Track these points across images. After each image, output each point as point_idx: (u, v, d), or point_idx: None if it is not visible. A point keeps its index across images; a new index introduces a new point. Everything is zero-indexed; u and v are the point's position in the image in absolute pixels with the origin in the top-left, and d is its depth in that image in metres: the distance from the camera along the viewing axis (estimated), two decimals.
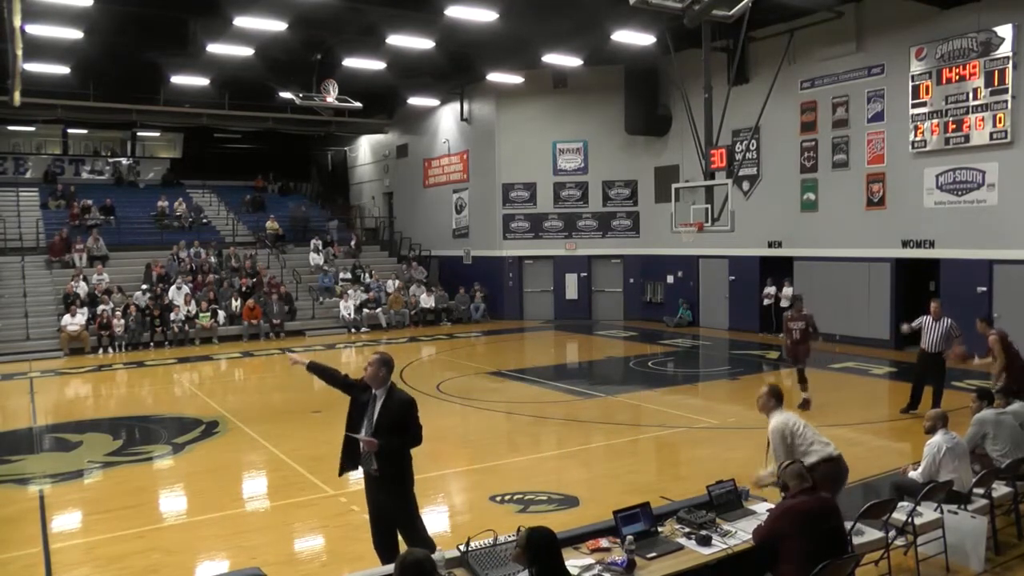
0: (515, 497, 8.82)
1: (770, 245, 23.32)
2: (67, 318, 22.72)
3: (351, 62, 24.17)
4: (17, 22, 17.84)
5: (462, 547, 5.25)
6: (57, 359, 21.64)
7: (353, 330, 26.01)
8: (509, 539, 5.13)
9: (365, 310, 26.70)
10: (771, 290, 23.05)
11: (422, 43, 21.78)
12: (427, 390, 15.74)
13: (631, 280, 28.22)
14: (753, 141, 23.24)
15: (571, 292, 28.27)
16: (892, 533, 6.48)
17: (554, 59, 23.98)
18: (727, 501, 6.18)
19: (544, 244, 28.53)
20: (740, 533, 5.68)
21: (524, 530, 4.52)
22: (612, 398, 15.16)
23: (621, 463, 10.96)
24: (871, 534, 6.31)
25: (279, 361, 21.35)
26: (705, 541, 5.51)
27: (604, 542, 5.46)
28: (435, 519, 8.77)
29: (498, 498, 9.22)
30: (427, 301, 27.94)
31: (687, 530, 5.69)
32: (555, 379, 17.64)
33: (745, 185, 23.65)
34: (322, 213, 35.14)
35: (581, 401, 15.10)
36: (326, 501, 9.40)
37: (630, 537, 5.35)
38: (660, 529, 5.71)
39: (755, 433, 10.75)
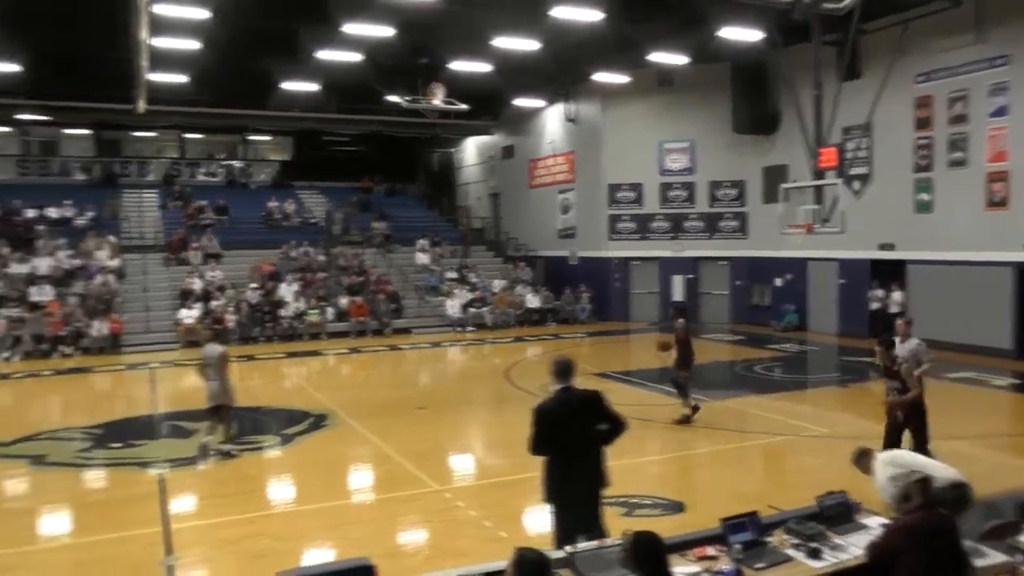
0: (620, 500, 8.76)
1: (881, 247, 22.48)
2: (183, 312, 23.91)
3: (457, 64, 24.48)
4: (144, 36, 18.85)
5: (569, 548, 5.25)
6: (174, 350, 22.64)
7: (459, 329, 26.33)
8: (616, 542, 5.10)
9: (471, 309, 27.01)
10: (878, 293, 22.28)
11: (527, 44, 21.88)
12: (533, 390, 15.79)
13: (738, 282, 27.69)
14: (864, 139, 22.50)
15: (677, 294, 27.93)
16: (1020, 557, 6.08)
17: (659, 58, 23.78)
18: (838, 514, 5.95)
19: (650, 245, 28.28)
20: (852, 548, 5.45)
21: (631, 534, 4.46)
22: (718, 403, 14.89)
23: (727, 470, 10.77)
24: (994, 556, 5.76)
25: (385, 357, 21.80)
26: (815, 554, 5.33)
27: (711, 550, 5.35)
28: (541, 519, 8.81)
29: (603, 500, 9.17)
30: (533, 301, 28.04)
31: (796, 542, 5.52)
32: (660, 382, 17.42)
33: (856, 185, 22.91)
34: (429, 214, 35.69)
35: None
36: (431, 496, 9.55)
37: (738, 546, 5.25)
38: (768, 539, 5.56)
39: (866, 444, 10.41)
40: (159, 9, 17.91)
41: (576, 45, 23.14)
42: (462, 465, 11.70)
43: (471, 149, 38.39)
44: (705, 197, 27.87)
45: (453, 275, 28.98)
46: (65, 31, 21.11)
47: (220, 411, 11.61)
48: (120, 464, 11.41)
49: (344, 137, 37.40)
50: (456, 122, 32.50)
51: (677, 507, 8.94)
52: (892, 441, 9.15)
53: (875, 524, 5.82)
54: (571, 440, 6.20)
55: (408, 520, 8.92)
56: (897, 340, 10.40)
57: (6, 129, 34.71)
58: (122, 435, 12.76)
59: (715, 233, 27.88)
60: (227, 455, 11.44)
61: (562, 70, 26.29)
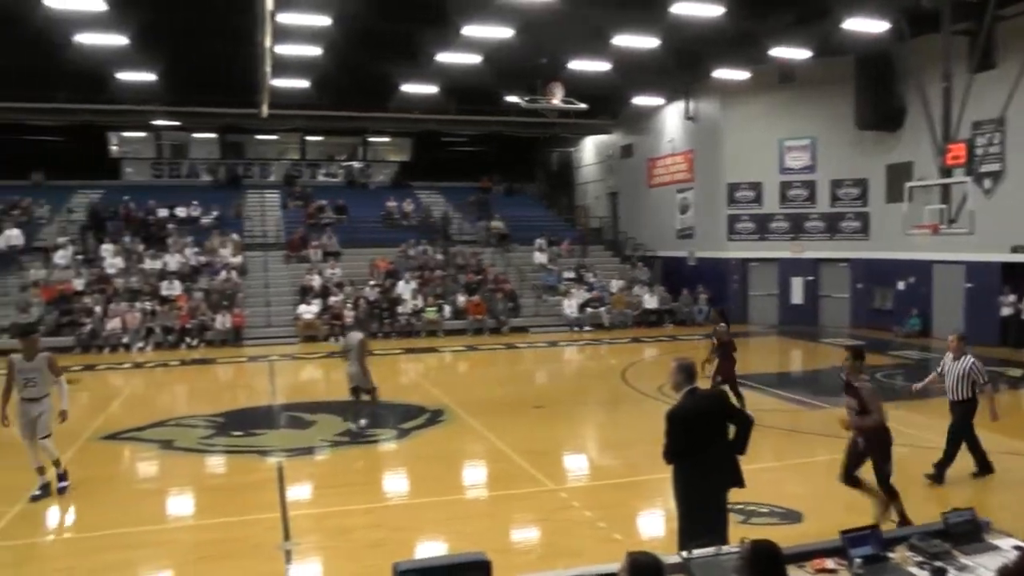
0: (736, 507, 8.46)
1: (1014, 250, 21.08)
2: (303, 308, 24.58)
3: (576, 64, 24.34)
4: (268, 44, 19.48)
5: (684, 554, 5.07)
6: (293, 344, 23.27)
7: (575, 329, 26.14)
8: (732, 550, 4.90)
9: (588, 309, 26.82)
10: (1010, 298, 21.01)
11: (647, 42, 21.59)
12: (649, 391, 15.55)
13: (859, 285, 26.61)
14: (997, 134, 21.15)
15: (796, 296, 27.08)
16: None
17: (781, 52, 23.09)
18: (966, 532, 5.50)
19: (769, 246, 27.52)
20: (981, 570, 5.02)
21: (748, 542, 4.26)
22: (837, 410, 14.27)
23: None
24: None
25: (502, 355, 21.86)
26: (940, 573, 4.98)
27: (830, 563, 5.06)
28: (656, 523, 8.61)
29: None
30: (650, 302, 27.66)
31: (920, 559, 5.14)
32: (777, 387, 16.89)
33: (987, 183, 21.57)
34: (547, 213, 35.68)
35: (804, 412, 14.35)
36: (546, 495, 9.43)
37: (858, 560, 4.95)
38: (890, 555, 5.22)
39: (994, 459, 9.82)
40: (282, 18, 18.45)
41: (696, 42, 22.70)
42: (578, 465, 11.50)
43: (589, 148, 38.20)
44: (826, 196, 26.91)
45: (570, 275, 28.85)
46: (195, 43, 21.99)
47: (358, 392, 12.37)
48: (241, 451, 11.72)
49: (463, 137, 37.77)
50: (575, 121, 32.33)
51: (795, 516, 8.57)
52: (850, 470, 8.18)
53: (1008, 546, 5.36)
54: (702, 442, 6.10)
55: (522, 518, 8.82)
56: (949, 357, 9.74)
57: (142, 134, 36.59)
58: (243, 424, 13.10)
59: (836, 234, 26.88)
60: (358, 433, 12.05)
61: (681, 68, 25.82)
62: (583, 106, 25.55)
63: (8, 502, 9.27)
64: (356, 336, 12.77)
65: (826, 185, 26.84)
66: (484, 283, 27.26)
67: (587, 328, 26.23)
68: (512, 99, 26.90)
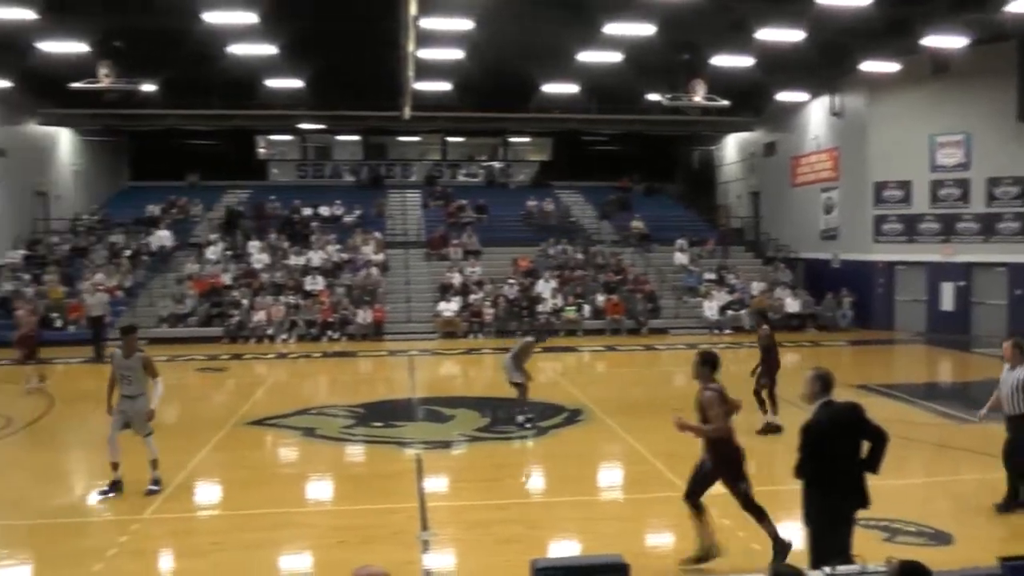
0: (881, 523, 7.99)
1: None
2: (443, 305, 24.96)
3: (719, 60, 23.74)
4: (411, 49, 19.89)
5: (827, 570, 4.85)
6: (432, 340, 23.65)
7: (716, 331, 25.46)
8: (879, 568, 4.63)
9: (728, 311, 26.16)
10: None
11: (792, 35, 20.84)
12: (789, 398, 14.92)
13: (1017, 291, 24.71)
14: None
15: (946, 303, 25.42)
16: None
17: (935, 41, 21.60)
18: None
19: (918, 248, 26.00)
20: None
21: (896, 562, 4.01)
22: (992, 427, 13.34)
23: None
24: None
25: (640, 356, 21.58)
26: None
27: None
28: (795, 535, 8.25)
29: (862, 522, 8.42)
30: (792, 305, 26.70)
31: None
32: (926, 399, 15.93)
33: None
34: (687, 213, 35.06)
35: (955, 426, 13.39)
36: (681, 500, 9.13)
37: None
38: None
39: None
40: (426, 23, 18.78)
41: (843, 33, 21.74)
42: None
43: (731, 146, 37.26)
44: (981, 195, 25.05)
45: (711, 276, 28.19)
46: (341, 50, 22.69)
47: (519, 388, 12.69)
48: (380, 442, 11.94)
49: (603, 137, 37.54)
50: (716, 119, 31.55)
51: (944, 538, 7.97)
52: (692, 489, 7.49)
53: None
54: (835, 456, 5.83)
55: (659, 522, 8.61)
56: (1006, 367, 8.78)
57: (289, 137, 38.19)
58: (382, 416, 13.35)
59: (992, 236, 24.97)
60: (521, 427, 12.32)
61: (827, 61, 24.79)
62: (725, 103, 24.94)
63: (170, 475, 9.83)
64: (523, 340, 13.45)
65: (981, 183, 25.04)
66: (624, 283, 27.00)
67: (727, 331, 25.52)
68: (653, 97, 26.53)
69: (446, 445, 11.66)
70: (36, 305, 22.20)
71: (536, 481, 10.41)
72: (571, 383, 17.02)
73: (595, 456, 11.41)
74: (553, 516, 8.72)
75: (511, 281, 26.31)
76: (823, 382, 5.98)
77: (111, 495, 9.29)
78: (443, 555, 7.70)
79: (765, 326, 12.95)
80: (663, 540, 8.28)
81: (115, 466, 9.37)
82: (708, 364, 7.57)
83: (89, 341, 20.99)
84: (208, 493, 9.95)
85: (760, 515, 7.25)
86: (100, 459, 11.60)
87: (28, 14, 18.48)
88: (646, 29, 20.14)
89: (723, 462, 7.40)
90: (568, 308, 25.29)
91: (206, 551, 7.75)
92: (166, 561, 7.81)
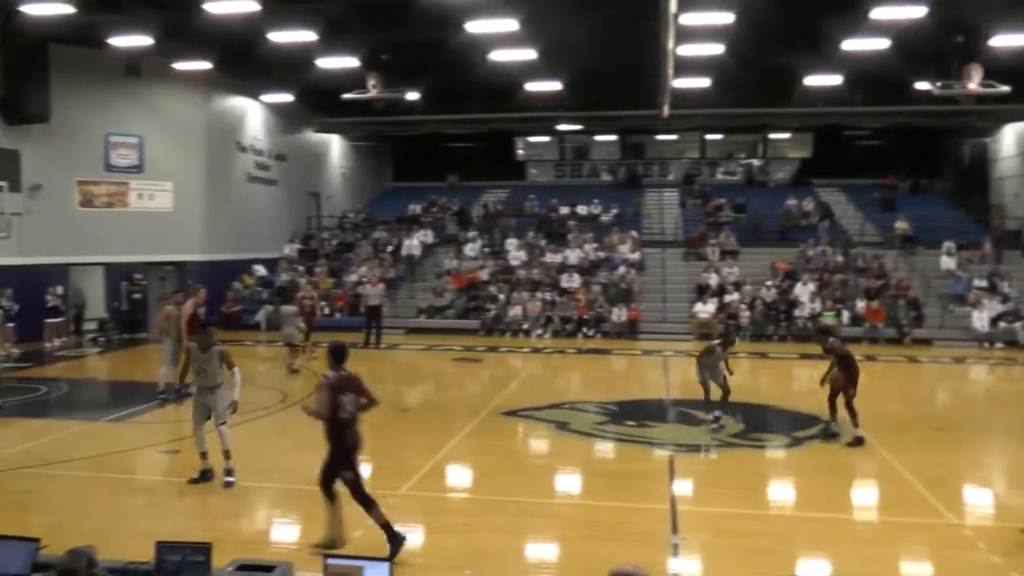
0: None
1: None
2: (698, 306, 24.77)
3: (997, 40, 21.49)
4: (670, 46, 19.79)
5: None
6: (687, 341, 23.35)
7: (986, 344, 23.12)
8: None
9: (1001, 323, 23.67)
10: None
11: None
12: None
13: None
14: None
15: None
16: None
17: None
18: None
19: None
20: None
21: None
22: None
23: None
24: None
25: (902, 368, 20.23)
26: None
27: None
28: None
29: None
30: None
31: None
32: None
33: None
34: (956, 213, 32.35)
35: None
36: (943, 528, 8.47)
37: None
38: None
39: None
40: (685, 19, 18.60)
41: None
42: (985, 500, 10.09)
43: (1009, 138, 33.59)
44: None
45: (982, 283, 25.62)
46: (599, 51, 22.94)
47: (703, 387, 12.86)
48: (631, 441, 12.07)
49: (866, 131, 35.45)
50: (993, 107, 28.59)
51: None
52: (324, 478, 7.60)
53: None
54: None
55: (917, 550, 8.02)
56: None
57: (547, 138, 39.26)
58: (634, 415, 13.46)
59: None
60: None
61: None
62: (1005, 89, 22.63)
63: (426, 456, 10.67)
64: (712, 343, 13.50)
65: None
66: (885, 288, 25.34)
67: (999, 345, 23.01)
68: (923, 86, 24.62)
69: (698, 449, 11.59)
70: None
71: (789, 494, 10.11)
72: (826, 393, 16.18)
73: (850, 472, 10.85)
74: (803, 531, 8.43)
75: (768, 283, 25.51)
76: None
77: (200, 483, 9.64)
78: (691, 561, 7.71)
79: (831, 338, 12.56)
80: (920, 571, 7.77)
81: (204, 455, 9.75)
82: (333, 355, 7.73)
83: (360, 328, 22.85)
84: (461, 476, 10.63)
85: (368, 505, 7.48)
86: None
87: (310, 35, 20.46)
88: (916, 11, 18.75)
89: (333, 447, 7.56)
90: (826, 313, 24.11)
91: (457, 530, 8.25)
92: (419, 536, 8.35)
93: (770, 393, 16.14)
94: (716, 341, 13.36)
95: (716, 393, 12.82)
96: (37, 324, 21.18)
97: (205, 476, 9.68)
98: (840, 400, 11.97)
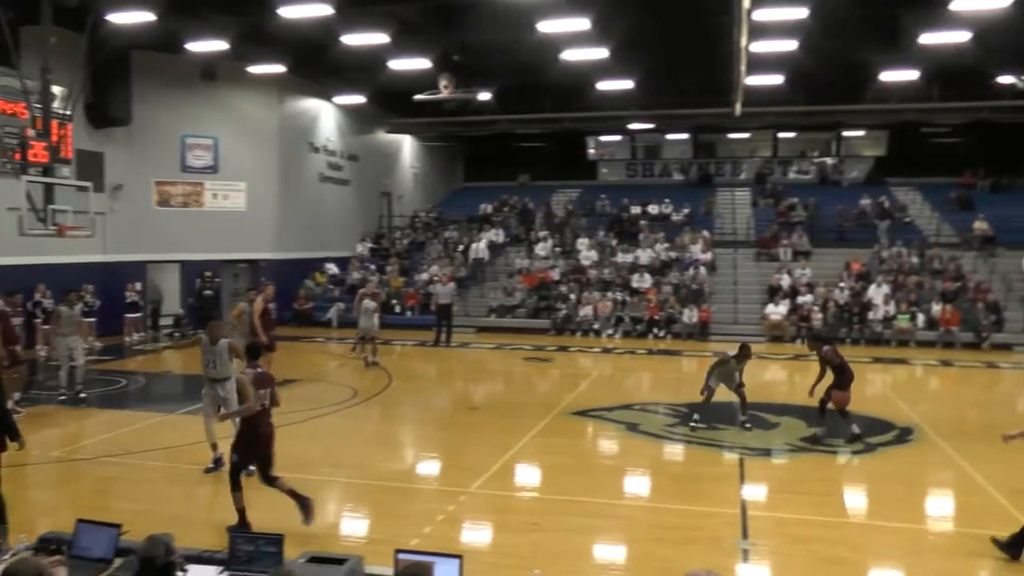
0: None
1: None
2: (770, 307, 24.33)
3: None
4: (743, 42, 19.52)
5: None
6: (759, 343, 22.88)
7: None
8: None
9: None
10: None
11: None
12: None
13: None
14: None
15: None
16: None
17: None
18: None
19: None
20: None
21: None
22: None
23: None
24: None
25: (980, 374, 19.63)
26: None
27: None
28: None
29: None
30: None
31: None
32: None
33: None
34: None
35: None
36: None
37: None
38: None
39: None
40: (759, 15, 18.32)
41: None
42: None
43: None
44: None
45: None
46: (671, 49, 22.77)
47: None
48: (702, 444, 11.96)
49: (944, 128, 34.42)
50: None
51: None
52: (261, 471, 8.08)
53: None
54: None
55: (997, 566, 7.61)
56: None
57: (617, 138, 39.11)
58: (706, 417, 13.27)
59: None
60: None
61: None
62: None
63: (495, 455, 10.78)
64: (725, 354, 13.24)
65: None
66: (963, 291, 24.57)
67: None
68: (1005, 80, 23.78)
69: (769, 453, 11.44)
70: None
71: (862, 501, 9.91)
72: (901, 399, 15.86)
73: (926, 481, 10.59)
74: (877, 541, 8.19)
75: (842, 285, 24.95)
76: None
77: (215, 471, 9.88)
78: (761, 567, 7.61)
79: (826, 346, 12.25)
80: None
81: (214, 447, 10.01)
82: (249, 351, 8.48)
83: (430, 326, 23.23)
84: (530, 475, 10.66)
85: (234, 487, 7.86)
86: (429, 432, 13.03)
87: (383, 38, 20.69)
88: (999, 2, 18.09)
89: (240, 435, 8.01)
90: (901, 316, 23.48)
91: (525, 529, 8.28)
92: (488, 533, 8.45)
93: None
94: (732, 353, 13.05)
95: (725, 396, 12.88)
96: (117, 319, 21.88)
97: (219, 464, 9.91)
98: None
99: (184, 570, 4.87)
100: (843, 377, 11.90)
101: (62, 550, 5.64)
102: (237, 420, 8.26)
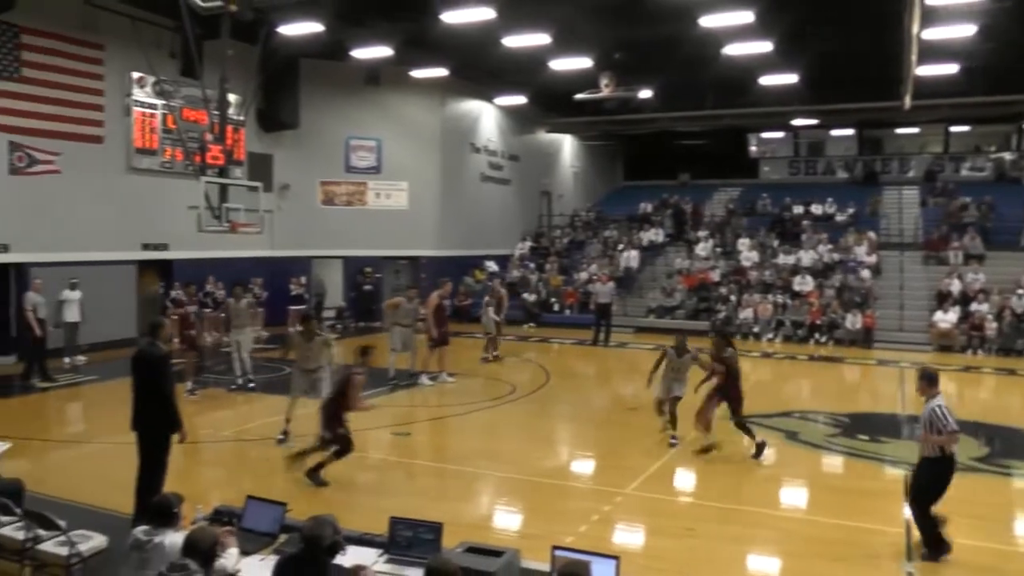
0: None
1: None
2: (939, 314, 22.94)
3: None
4: (915, 29, 18.61)
5: None
6: (926, 352, 21.93)
7: None
8: None
9: None
10: None
11: None
12: None
13: None
14: None
15: None
16: None
17: None
18: None
19: None
20: None
21: None
22: None
23: None
24: None
25: None
26: None
27: None
28: None
29: None
30: None
31: None
32: None
33: None
34: None
35: None
36: None
37: None
38: None
39: None
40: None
41: None
42: None
43: None
44: None
45: None
46: (837, 39, 21.94)
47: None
48: (864, 456, 11.60)
49: None
50: None
51: None
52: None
53: None
54: None
55: None
56: None
57: (780, 134, 38.12)
58: (869, 428, 12.90)
59: None
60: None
61: None
62: None
63: (652, 457, 10.95)
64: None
65: None
66: None
67: None
68: None
69: None
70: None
71: None
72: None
73: None
74: None
75: (1020, 292, 23.25)
76: None
77: (285, 441, 11.23)
78: None
79: (730, 348, 11.42)
80: None
81: (287, 421, 11.45)
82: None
83: (589, 325, 23.47)
84: (685, 480, 10.60)
85: None
86: (586, 431, 13.19)
87: (544, 39, 20.93)
88: None
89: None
90: None
91: (679, 534, 8.31)
92: (642, 536, 8.55)
93: (1020, 415, 14.93)
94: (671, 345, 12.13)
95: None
96: (282, 311, 23.16)
97: (288, 436, 11.35)
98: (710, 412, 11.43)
99: (344, 551, 5.12)
100: (733, 382, 11.41)
101: (233, 522, 6.18)
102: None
